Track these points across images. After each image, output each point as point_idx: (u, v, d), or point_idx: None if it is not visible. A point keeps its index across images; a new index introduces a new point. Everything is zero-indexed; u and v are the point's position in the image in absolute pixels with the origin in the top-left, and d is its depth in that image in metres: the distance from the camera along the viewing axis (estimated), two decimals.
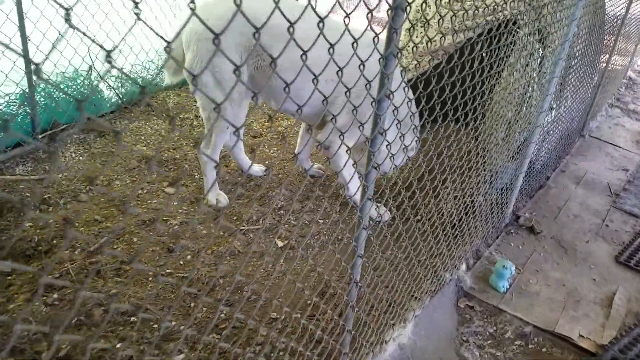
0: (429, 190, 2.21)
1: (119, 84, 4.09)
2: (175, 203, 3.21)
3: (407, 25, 4.11)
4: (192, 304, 2.39)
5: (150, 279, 2.51)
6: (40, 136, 3.48)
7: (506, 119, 3.07)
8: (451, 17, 3.42)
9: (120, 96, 4.11)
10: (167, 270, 2.57)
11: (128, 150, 3.70)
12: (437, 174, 2.10)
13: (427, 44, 3.74)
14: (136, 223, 2.93)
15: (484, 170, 2.99)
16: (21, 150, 3.35)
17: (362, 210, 1.58)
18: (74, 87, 3.74)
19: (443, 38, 3.48)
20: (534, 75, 2.93)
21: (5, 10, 3.08)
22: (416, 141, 2.28)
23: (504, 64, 3.10)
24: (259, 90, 2.96)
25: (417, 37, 3.73)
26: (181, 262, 2.64)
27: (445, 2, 3.62)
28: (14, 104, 3.27)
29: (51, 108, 3.57)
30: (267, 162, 3.88)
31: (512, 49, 3.08)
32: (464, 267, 2.83)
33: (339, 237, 3.06)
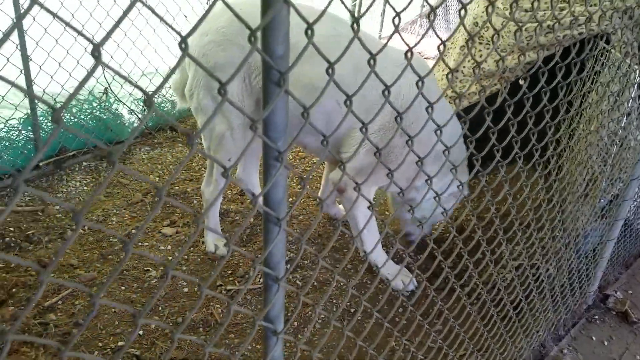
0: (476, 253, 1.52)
1: (142, 108, 3.77)
2: (168, 247, 2.74)
3: (460, 42, 3.37)
4: None
5: (96, 353, 2.02)
6: (44, 163, 3.21)
7: (589, 163, 2.25)
8: (515, 32, 2.67)
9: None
10: (120, 343, 2.07)
11: (137, 181, 3.32)
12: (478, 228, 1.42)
13: (473, 68, 2.99)
14: (111, 272, 2.49)
15: (559, 231, 2.18)
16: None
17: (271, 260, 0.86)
18: (88, 110, 3.45)
19: (501, 60, 2.74)
20: (629, 107, 2.10)
21: (2, 27, 2.83)
22: (459, 186, 1.60)
23: (590, 88, 2.31)
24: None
25: (479, 55, 2.98)
26: (140, 333, 2.13)
27: (503, 9, 2.83)
28: (14, 129, 3.01)
29: (58, 133, 3.29)
30: (290, 199, 3.31)
31: (601, 72, 2.28)
32: None
33: (353, 309, 2.40)
